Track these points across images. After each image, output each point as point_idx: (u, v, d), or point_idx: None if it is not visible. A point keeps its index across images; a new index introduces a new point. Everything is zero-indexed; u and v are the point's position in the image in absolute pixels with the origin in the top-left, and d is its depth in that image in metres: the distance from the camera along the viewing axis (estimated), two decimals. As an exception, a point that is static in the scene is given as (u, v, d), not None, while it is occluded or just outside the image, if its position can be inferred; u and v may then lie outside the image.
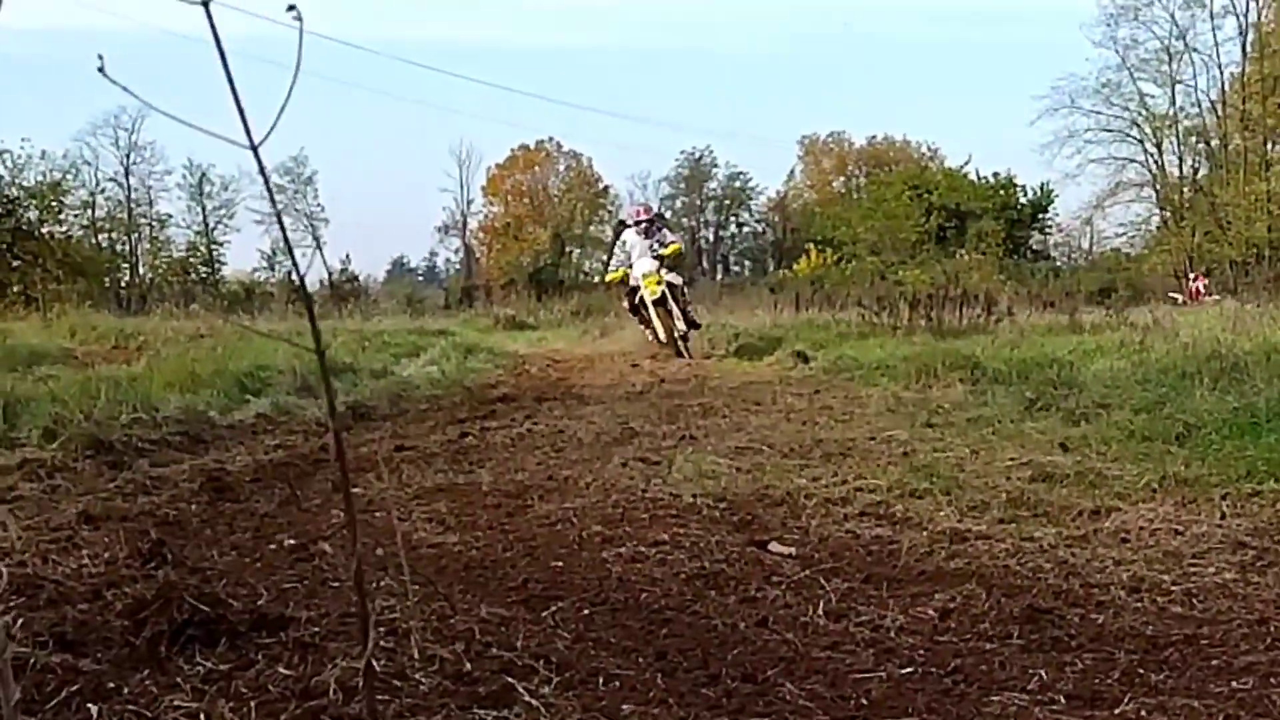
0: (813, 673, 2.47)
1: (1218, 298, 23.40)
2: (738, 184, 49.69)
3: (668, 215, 49.20)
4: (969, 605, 2.97)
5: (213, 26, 1.02)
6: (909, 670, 2.51)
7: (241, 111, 1.03)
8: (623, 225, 14.36)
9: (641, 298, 12.91)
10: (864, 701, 2.29)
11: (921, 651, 2.65)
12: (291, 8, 1.02)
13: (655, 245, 13.11)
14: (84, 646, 2.32)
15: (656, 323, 12.72)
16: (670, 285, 12.78)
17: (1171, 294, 25.44)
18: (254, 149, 1.03)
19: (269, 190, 1.23)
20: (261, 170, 1.07)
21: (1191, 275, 30.66)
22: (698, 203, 49.46)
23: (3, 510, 3.83)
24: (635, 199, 46.78)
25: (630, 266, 13.23)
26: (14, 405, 6.03)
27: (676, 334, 12.54)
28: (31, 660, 2.17)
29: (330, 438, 5.90)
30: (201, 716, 2.04)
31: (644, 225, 13.40)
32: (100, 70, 1.10)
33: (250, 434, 6.55)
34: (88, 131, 39.56)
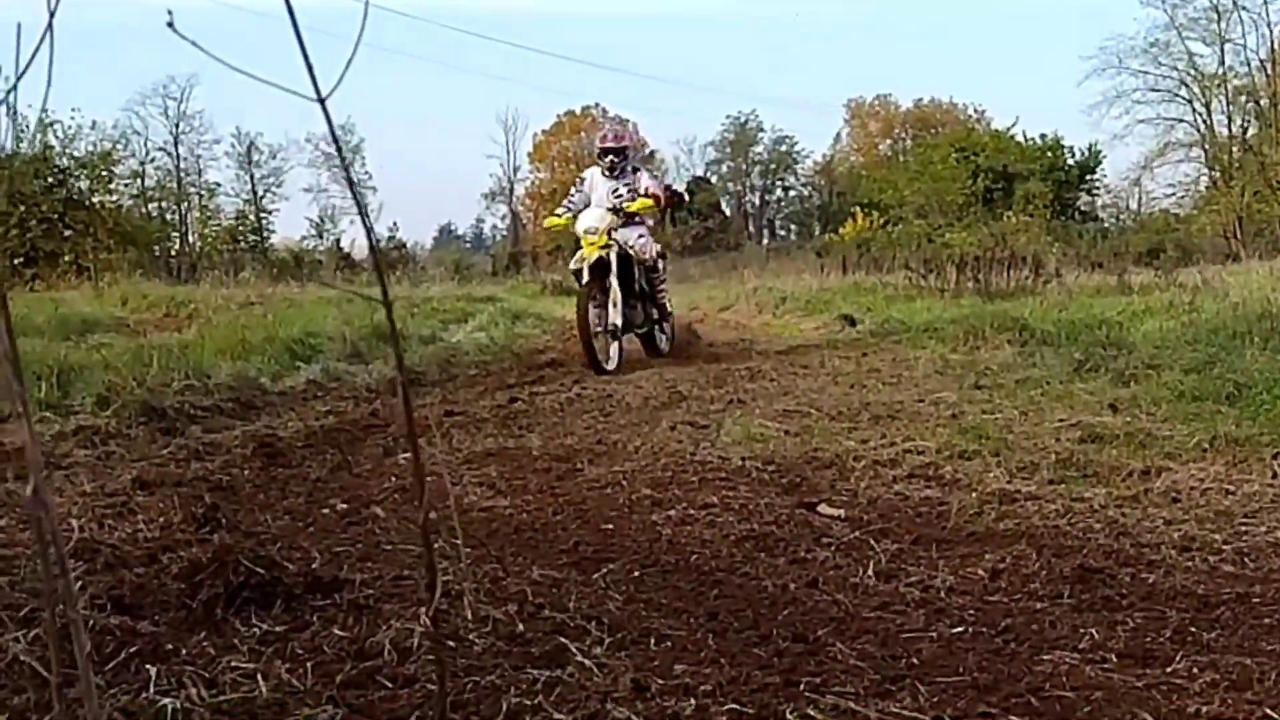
0: (863, 633, 2.52)
1: None
2: (783, 148, 49.70)
3: (713, 181, 48.62)
4: (1019, 565, 3.00)
5: None
6: (959, 630, 2.55)
7: (310, 65, 1.05)
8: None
9: (581, 265, 8.57)
10: (915, 661, 2.33)
11: (971, 611, 2.69)
12: None
13: (622, 190, 8.77)
14: (141, 609, 2.41)
15: (611, 305, 8.41)
16: (623, 254, 8.55)
17: None
18: (321, 101, 1.06)
19: (336, 143, 1.26)
20: (329, 121, 1.11)
21: None
22: (743, 167, 49.81)
23: (58, 477, 3.94)
24: (679, 162, 47.30)
25: (576, 216, 8.93)
26: (67, 373, 6.18)
27: (603, 324, 8.34)
28: (91, 623, 2.24)
29: (393, 398, 6.24)
30: (259, 677, 2.11)
31: (610, 159, 8.91)
32: (169, 25, 1.13)
33: (301, 400, 6.72)
34: (137, 101, 40.00)
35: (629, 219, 8.61)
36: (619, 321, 8.34)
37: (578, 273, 8.58)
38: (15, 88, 1.23)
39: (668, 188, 9.55)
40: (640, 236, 8.75)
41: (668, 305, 9.45)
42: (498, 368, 9.09)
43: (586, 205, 8.94)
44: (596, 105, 48.97)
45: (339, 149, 1.39)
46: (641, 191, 8.71)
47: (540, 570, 2.86)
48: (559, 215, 9.19)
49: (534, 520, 3.58)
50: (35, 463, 1.00)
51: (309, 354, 8.43)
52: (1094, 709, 2.07)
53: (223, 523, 3.12)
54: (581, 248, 8.52)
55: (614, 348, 8.29)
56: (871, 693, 2.11)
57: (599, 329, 8.22)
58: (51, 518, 1.03)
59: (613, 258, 8.39)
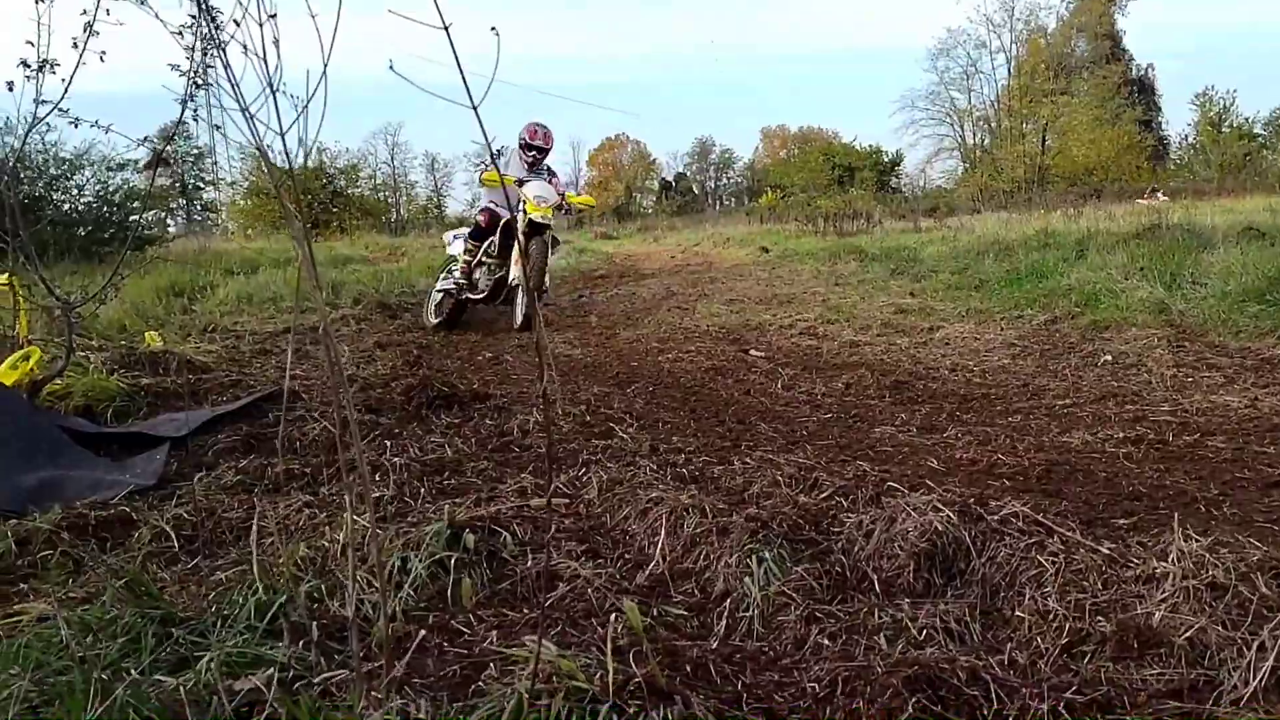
0: (775, 417, 4.27)
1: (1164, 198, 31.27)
2: (727, 156, 77.49)
3: (688, 174, 76.23)
4: (861, 380, 4.83)
5: (453, 48, 2.56)
6: (829, 416, 4.34)
7: (469, 92, 2.54)
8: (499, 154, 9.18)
9: (505, 225, 8.52)
10: (804, 433, 4.06)
11: (836, 406, 4.48)
12: (493, 28, 2.28)
13: (555, 183, 9.15)
14: (380, 411, 4.04)
15: (514, 264, 8.41)
16: (554, 238, 9.15)
17: (1139, 200, 31.88)
18: (474, 108, 1.45)
19: (488, 143, 2.78)
20: (479, 121, 1.52)
21: (1148, 190, 37.87)
22: (705, 166, 77.94)
23: (338, 343, 6.21)
24: (669, 165, 71.90)
25: (517, 181, 8.75)
26: (337, 286, 10.29)
27: (514, 275, 8.40)
28: (355, 419, 3.87)
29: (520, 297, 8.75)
30: (445, 446, 3.71)
31: (534, 154, 9.09)
32: (390, 68, 2.58)
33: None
34: (370, 135, 64.46)
35: (563, 206, 9.10)
36: (514, 274, 8.35)
37: (503, 227, 8.57)
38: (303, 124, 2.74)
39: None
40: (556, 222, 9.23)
41: (547, 287, 9.64)
42: (571, 279, 14.29)
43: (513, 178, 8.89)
44: (622, 133, 76.45)
45: (490, 151, 2.90)
46: (561, 192, 9.08)
47: (597, 388, 4.62)
48: (489, 172, 9.09)
49: (593, 361, 5.66)
50: (325, 321, 2.55)
51: None
52: (903, 456, 3.63)
53: (423, 365, 4.79)
54: (522, 205, 8.39)
55: (519, 302, 8.34)
56: (781, 449, 3.66)
57: (514, 282, 8.41)
58: (337, 353, 2.53)
59: (550, 236, 8.63)
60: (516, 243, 8.50)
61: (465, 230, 9.30)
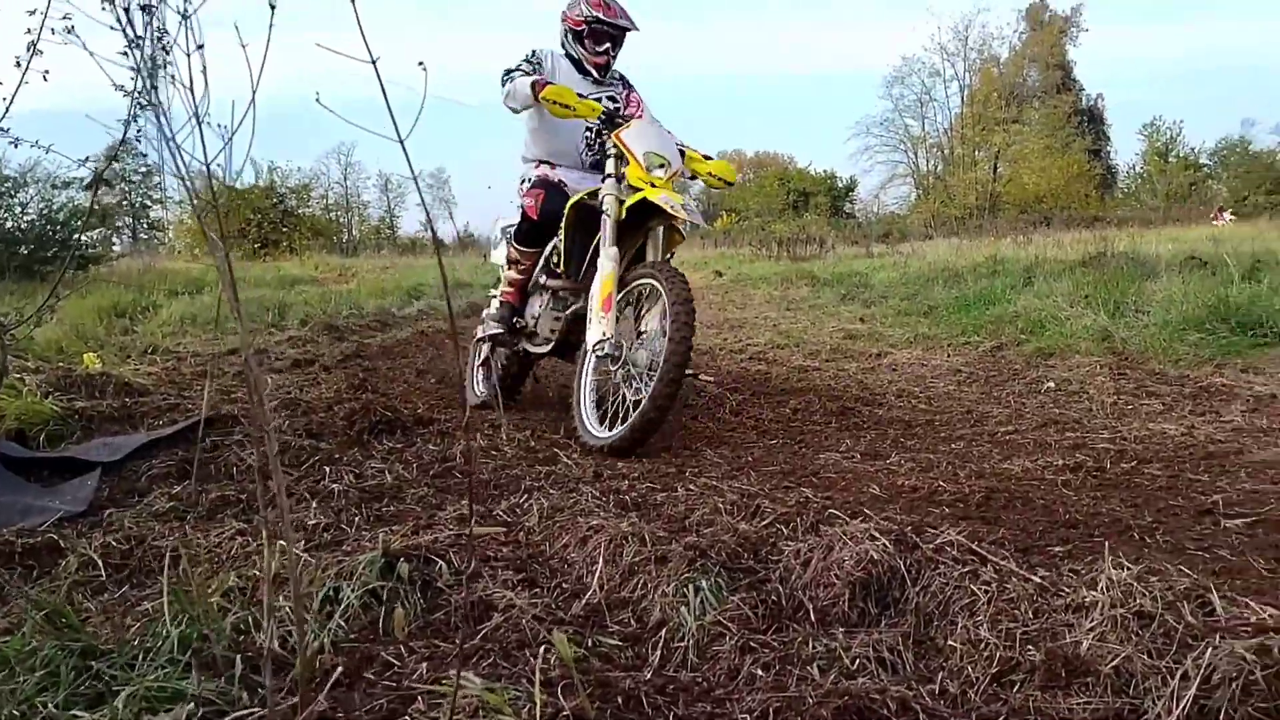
0: (722, 444, 4.27)
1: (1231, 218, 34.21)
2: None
3: None
4: (809, 406, 4.85)
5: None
6: (774, 441, 4.35)
7: (396, 124, 2.51)
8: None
9: (577, 210, 4.75)
10: (749, 459, 4.06)
11: (782, 431, 4.50)
12: (421, 63, 1.51)
13: (608, 103, 4.97)
14: (322, 436, 3.99)
15: (604, 283, 4.33)
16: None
17: (1212, 220, 33.09)
18: (400, 141, 1.44)
19: (414, 173, 2.77)
20: (406, 155, 1.50)
21: (1216, 209, 39.71)
22: None
23: (280, 364, 6.03)
24: None
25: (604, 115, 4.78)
26: (283, 307, 10.19)
27: (601, 333, 4.28)
28: (292, 443, 3.82)
29: (460, 319, 9.29)
30: (386, 472, 3.68)
31: (607, 48, 5.07)
32: (317, 100, 2.49)
33: (414, 320, 10.67)
34: (322, 155, 62.34)
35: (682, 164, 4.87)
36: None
37: (575, 212, 4.77)
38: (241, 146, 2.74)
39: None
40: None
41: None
42: None
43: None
44: None
45: (414, 178, 2.90)
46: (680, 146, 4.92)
47: (544, 412, 4.59)
48: (553, 87, 4.62)
49: (542, 387, 5.59)
50: (246, 346, 2.55)
51: (418, 294, 13.43)
52: (846, 483, 3.65)
53: (368, 388, 4.73)
54: (609, 185, 4.54)
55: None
56: (726, 476, 3.66)
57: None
58: (260, 382, 2.52)
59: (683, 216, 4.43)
60: (605, 252, 4.43)
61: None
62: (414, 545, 2.59)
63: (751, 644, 2.16)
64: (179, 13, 1.77)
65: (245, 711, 1.79)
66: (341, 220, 65.13)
